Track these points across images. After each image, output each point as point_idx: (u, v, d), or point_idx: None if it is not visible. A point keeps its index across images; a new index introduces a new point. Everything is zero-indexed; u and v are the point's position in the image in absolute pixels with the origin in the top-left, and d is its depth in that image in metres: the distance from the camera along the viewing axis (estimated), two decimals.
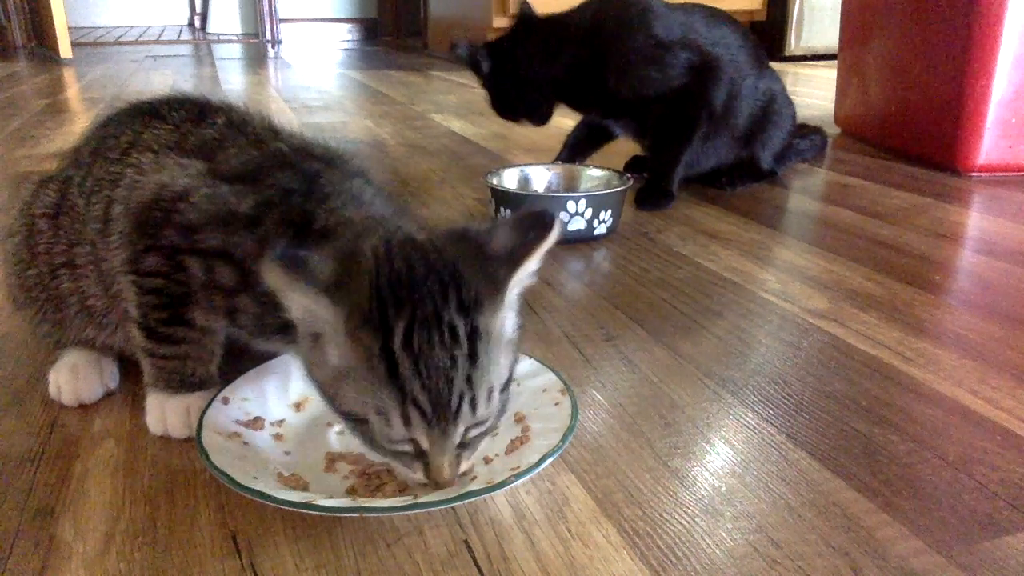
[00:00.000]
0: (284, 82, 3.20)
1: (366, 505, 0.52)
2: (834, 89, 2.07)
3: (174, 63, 3.77)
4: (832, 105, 2.09)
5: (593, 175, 1.31)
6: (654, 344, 0.85)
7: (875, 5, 1.83)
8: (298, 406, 0.68)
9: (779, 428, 0.69)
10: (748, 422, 0.70)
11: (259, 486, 0.53)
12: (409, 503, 0.51)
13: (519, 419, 0.64)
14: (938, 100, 1.61)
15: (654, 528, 0.55)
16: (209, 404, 0.63)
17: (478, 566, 0.52)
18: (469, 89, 2.94)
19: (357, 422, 0.52)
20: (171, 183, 0.61)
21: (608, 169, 1.32)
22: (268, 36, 5.06)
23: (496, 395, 0.53)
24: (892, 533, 0.55)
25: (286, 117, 2.28)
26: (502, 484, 0.53)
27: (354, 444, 0.60)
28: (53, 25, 3.60)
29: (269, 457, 0.61)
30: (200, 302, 0.62)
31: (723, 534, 0.55)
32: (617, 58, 1.35)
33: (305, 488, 0.57)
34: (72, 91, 2.79)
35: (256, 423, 0.64)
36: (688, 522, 0.56)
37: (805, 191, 1.52)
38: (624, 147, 1.58)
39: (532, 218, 0.54)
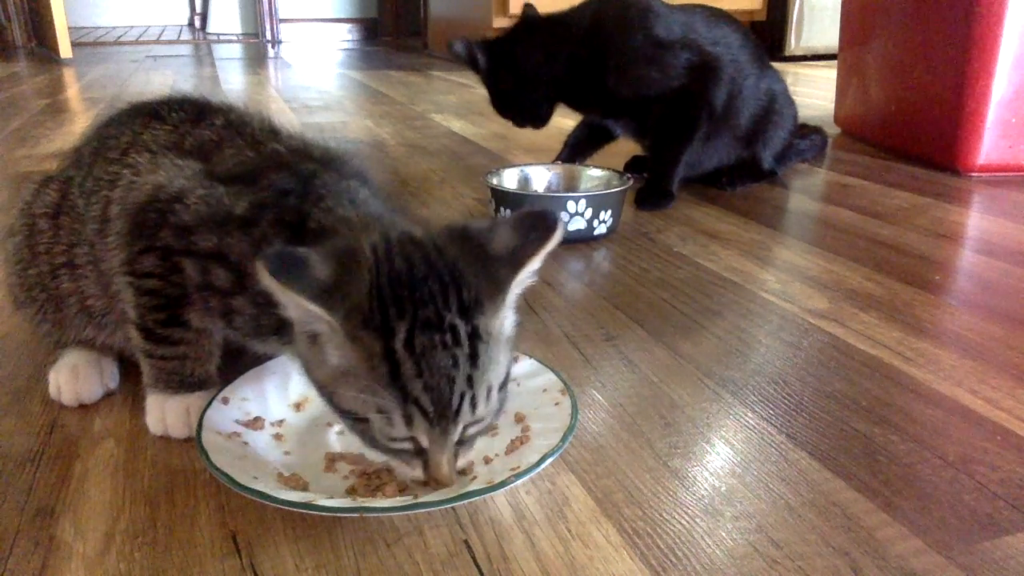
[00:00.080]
0: (284, 82, 3.20)
1: (366, 505, 0.52)
2: (834, 89, 2.07)
3: (174, 63, 3.77)
4: (832, 105, 2.09)
5: (593, 175, 1.31)
6: (654, 344, 0.85)
7: (875, 5, 1.83)
8: (298, 406, 0.68)
9: (779, 428, 0.69)
10: (748, 422, 0.70)
11: (259, 486, 0.53)
12: (409, 503, 0.51)
13: (519, 419, 0.64)
14: (938, 100, 1.61)
15: (654, 528, 0.55)
16: (209, 404, 0.63)
17: (478, 566, 0.52)
18: (469, 89, 2.94)
19: (357, 421, 0.52)
20: (167, 184, 0.61)
21: (608, 169, 1.32)
22: (268, 36, 5.06)
23: (495, 393, 0.53)
24: (892, 533, 0.55)
25: (286, 117, 2.28)
26: (502, 484, 0.53)
27: (354, 444, 0.60)
28: (53, 25, 3.60)
29: (269, 457, 0.61)
30: (196, 303, 0.62)
31: (723, 534, 0.55)
32: (617, 58, 1.35)
33: (305, 488, 0.57)
34: (72, 91, 2.79)
35: (256, 423, 0.64)
36: (688, 522, 0.56)
37: (805, 191, 1.52)
38: (624, 147, 1.58)
39: (534, 218, 0.54)
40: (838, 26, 2.03)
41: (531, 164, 1.36)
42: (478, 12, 3.56)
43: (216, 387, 0.67)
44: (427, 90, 2.95)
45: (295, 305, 0.50)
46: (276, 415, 0.66)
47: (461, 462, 0.55)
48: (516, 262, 0.52)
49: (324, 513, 0.53)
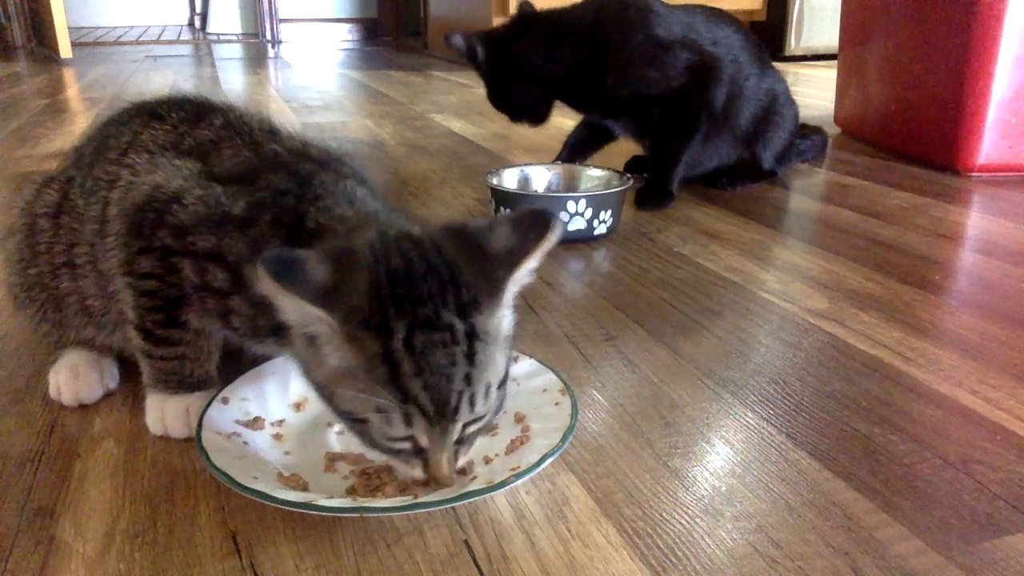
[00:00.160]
0: (284, 82, 3.20)
1: (366, 505, 0.52)
2: (834, 89, 2.07)
3: (174, 63, 3.77)
4: (832, 105, 2.09)
5: (593, 175, 1.31)
6: (654, 344, 0.85)
7: (875, 5, 1.83)
8: (298, 406, 0.67)
9: (779, 428, 0.69)
10: (748, 422, 0.70)
11: (259, 486, 0.53)
12: (409, 503, 0.51)
13: (519, 419, 0.64)
14: (938, 100, 1.61)
15: (654, 528, 0.55)
16: (209, 404, 0.63)
17: (478, 566, 0.52)
18: (469, 89, 2.94)
19: (356, 421, 0.52)
20: (165, 184, 0.61)
21: (608, 169, 1.32)
22: (268, 36, 5.06)
23: (494, 392, 0.53)
24: (892, 533, 0.55)
25: (286, 117, 2.28)
26: (502, 484, 0.53)
27: (354, 444, 0.60)
28: (53, 25, 3.60)
29: (269, 457, 0.61)
30: (194, 304, 0.62)
31: (723, 534, 0.55)
32: (617, 57, 1.35)
33: (305, 488, 0.57)
34: (72, 91, 2.79)
35: (256, 423, 0.64)
36: (688, 522, 0.56)
37: (805, 191, 1.52)
38: (624, 147, 1.58)
39: (532, 217, 0.53)
40: (838, 26, 2.03)
41: (531, 164, 1.36)
42: (478, 12, 3.56)
43: (216, 387, 0.67)
44: (427, 90, 2.95)
45: (294, 307, 0.49)
46: (276, 415, 0.66)
47: (461, 461, 0.55)
48: (513, 261, 0.52)
49: (324, 513, 0.53)
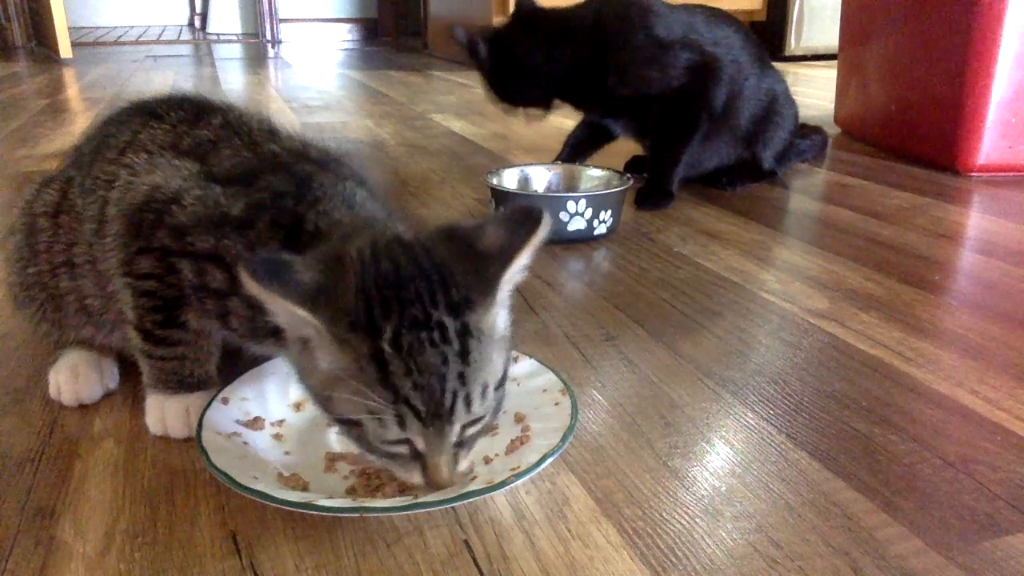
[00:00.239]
0: (284, 82, 3.20)
1: (366, 505, 0.52)
2: (834, 89, 2.07)
3: (174, 63, 3.77)
4: (832, 105, 2.09)
5: (593, 175, 1.31)
6: (654, 344, 0.85)
7: (875, 5, 1.83)
8: (298, 406, 0.67)
9: (779, 428, 0.69)
10: (748, 422, 0.70)
11: (259, 486, 0.53)
12: (409, 503, 0.51)
13: (519, 419, 0.64)
14: (938, 100, 1.61)
15: (654, 528, 0.55)
16: (209, 404, 0.63)
17: (478, 566, 0.52)
18: (469, 89, 2.94)
19: (352, 426, 0.52)
20: (164, 184, 0.61)
21: (608, 169, 1.32)
22: (268, 36, 5.06)
23: (491, 392, 0.52)
24: (892, 533, 0.55)
25: (286, 117, 2.28)
26: (502, 484, 0.53)
27: (354, 445, 0.60)
28: (53, 25, 3.60)
29: (269, 457, 0.61)
30: (193, 305, 0.62)
31: (723, 534, 0.55)
32: (617, 57, 1.35)
33: (305, 488, 0.57)
34: (72, 91, 2.79)
35: (256, 423, 0.64)
36: (688, 522, 0.56)
37: (805, 191, 1.52)
38: (624, 147, 1.58)
39: (522, 214, 0.54)
40: (838, 26, 2.03)
41: (531, 164, 1.36)
42: (478, 12, 3.56)
43: (216, 387, 0.67)
44: (427, 90, 2.95)
45: (282, 310, 0.49)
46: (276, 415, 0.66)
47: (463, 465, 0.54)
48: (506, 258, 0.52)
49: (324, 513, 0.53)
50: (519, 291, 0.55)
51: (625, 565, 0.52)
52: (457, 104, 2.58)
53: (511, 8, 1.45)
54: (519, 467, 0.55)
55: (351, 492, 0.58)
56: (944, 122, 1.60)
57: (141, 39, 5.02)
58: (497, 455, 0.60)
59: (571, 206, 1.15)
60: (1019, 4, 1.46)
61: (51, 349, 0.76)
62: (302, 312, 0.48)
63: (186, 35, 5.52)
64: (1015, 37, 1.48)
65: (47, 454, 0.64)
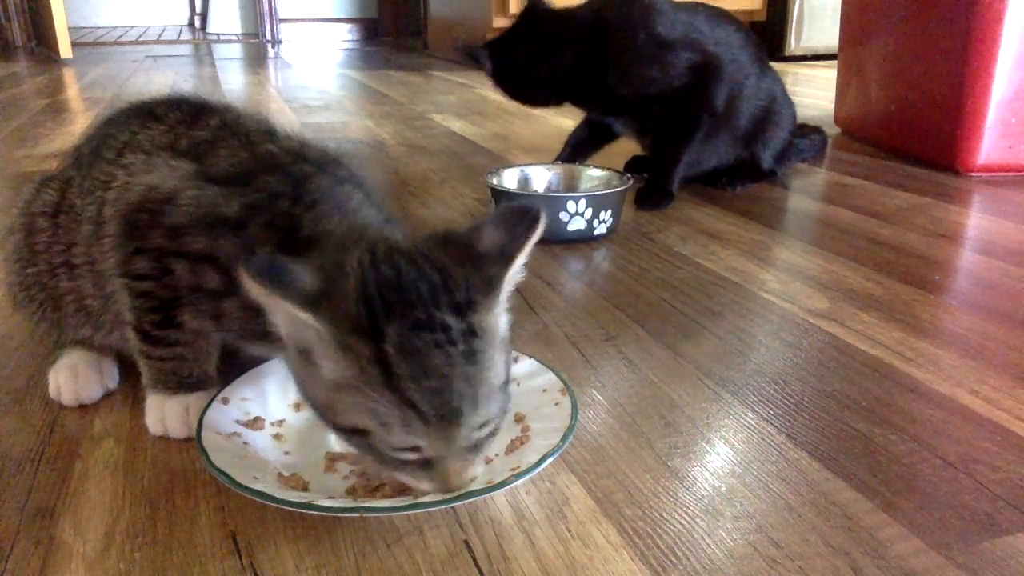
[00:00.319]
0: (284, 82, 3.20)
1: (366, 505, 0.52)
2: (834, 89, 2.07)
3: (174, 63, 3.77)
4: (832, 105, 2.09)
5: (593, 175, 1.31)
6: (654, 344, 0.85)
7: (875, 5, 1.83)
8: (298, 406, 0.67)
9: (779, 428, 0.69)
10: (748, 422, 0.70)
11: (259, 486, 0.53)
12: (409, 503, 0.51)
13: (519, 419, 0.64)
14: (938, 100, 1.61)
15: (654, 528, 0.55)
16: (209, 404, 0.63)
17: (478, 566, 0.52)
18: (469, 89, 2.94)
19: (359, 435, 0.51)
20: (159, 185, 0.61)
21: (608, 169, 1.32)
22: (268, 36, 5.06)
23: (497, 393, 0.52)
24: (892, 533, 0.55)
25: (286, 117, 2.28)
26: (502, 484, 0.53)
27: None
28: (53, 25, 3.60)
29: (269, 457, 0.61)
30: (189, 305, 0.62)
31: (723, 534, 0.55)
32: (618, 56, 1.35)
33: (305, 488, 0.57)
34: (72, 91, 2.79)
35: (256, 423, 0.64)
36: (688, 522, 0.56)
37: (805, 191, 1.52)
38: (624, 147, 1.58)
39: (517, 213, 0.54)
40: (838, 26, 2.03)
41: (531, 164, 1.36)
42: (478, 12, 3.56)
43: (215, 387, 0.67)
44: (427, 90, 2.95)
45: (283, 312, 0.49)
46: (276, 415, 0.66)
47: (477, 469, 0.53)
48: (507, 257, 0.52)
49: (324, 513, 0.53)
50: (519, 291, 0.55)
51: (625, 565, 0.52)
52: (457, 104, 2.58)
53: (511, 8, 1.45)
54: (519, 467, 0.55)
55: (351, 492, 0.58)
56: (944, 122, 1.60)
57: (141, 39, 5.02)
58: (497, 455, 0.60)
59: (571, 206, 1.15)
60: (1019, 4, 1.46)
61: (51, 349, 0.76)
62: (304, 315, 0.48)
63: (186, 35, 5.52)
64: (1015, 37, 1.48)
65: (47, 454, 0.64)
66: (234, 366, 0.69)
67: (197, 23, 5.87)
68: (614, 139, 1.54)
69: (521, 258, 0.52)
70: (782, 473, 0.62)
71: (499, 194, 1.21)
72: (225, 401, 0.65)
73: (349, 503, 0.53)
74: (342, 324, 0.48)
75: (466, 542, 0.54)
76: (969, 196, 1.46)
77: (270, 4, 5.02)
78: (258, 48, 4.73)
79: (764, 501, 0.59)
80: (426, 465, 0.51)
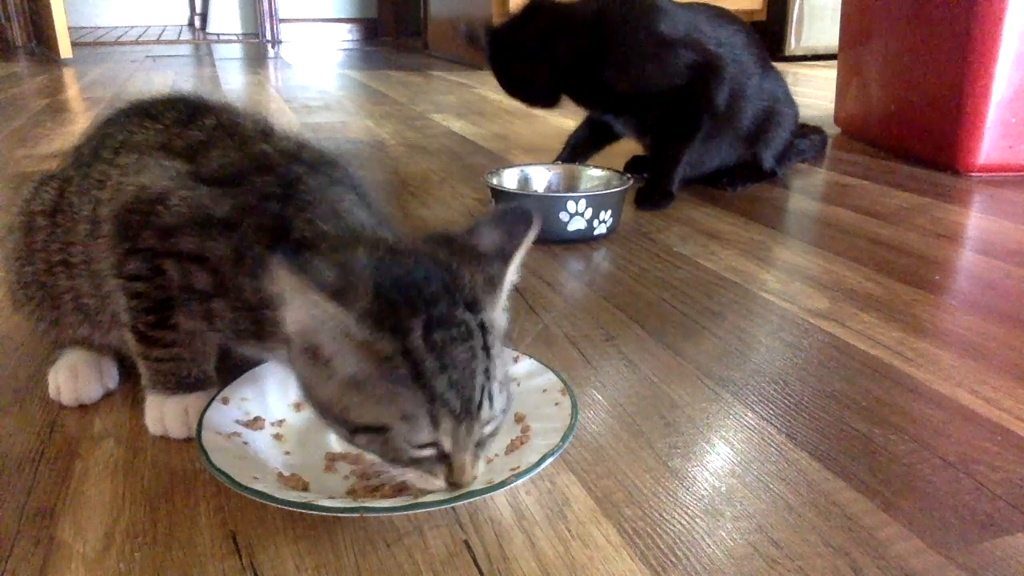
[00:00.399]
0: (284, 82, 3.20)
1: (366, 505, 0.52)
2: (834, 89, 2.07)
3: (174, 63, 3.77)
4: (832, 105, 2.09)
5: (593, 175, 1.31)
6: (654, 344, 0.85)
7: (875, 5, 1.83)
8: (298, 406, 0.67)
9: (779, 428, 0.69)
10: (748, 422, 0.70)
11: (259, 486, 0.53)
12: (409, 503, 0.51)
13: (519, 419, 0.64)
14: (938, 100, 1.61)
15: (654, 528, 0.55)
16: (209, 404, 0.63)
17: (478, 566, 0.52)
18: (469, 89, 2.94)
19: (373, 432, 0.51)
20: (151, 185, 0.61)
21: (608, 169, 1.32)
22: (268, 36, 5.06)
23: (505, 388, 0.53)
24: (892, 533, 0.55)
25: (286, 117, 2.28)
26: (502, 484, 0.53)
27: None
28: (53, 25, 3.60)
29: (269, 457, 0.61)
30: (181, 306, 0.62)
31: (723, 534, 0.55)
32: (618, 52, 1.34)
33: (305, 488, 0.57)
34: (72, 91, 2.79)
35: (256, 423, 0.64)
36: (688, 522, 0.56)
37: (805, 191, 1.52)
38: (624, 147, 1.58)
39: (513, 214, 0.55)
40: (838, 26, 2.03)
41: (531, 164, 1.36)
42: (478, 12, 3.56)
43: (215, 387, 0.67)
44: (427, 90, 2.95)
45: (304, 307, 0.48)
46: (276, 415, 0.66)
47: (481, 467, 0.53)
48: (506, 256, 0.53)
49: (324, 513, 0.53)
50: (519, 291, 0.55)
51: (625, 565, 0.52)
52: (457, 104, 2.58)
53: (511, 8, 1.44)
54: (519, 467, 0.55)
55: (351, 492, 0.58)
56: (944, 122, 1.60)
57: (141, 39, 5.02)
58: (497, 455, 0.60)
59: (571, 206, 1.15)
60: (1019, 4, 1.46)
61: (50, 349, 0.76)
62: (333, 308, 0.47)
63: (186, 35, 5.52)
64: (1015, 37, 1.48)
65: (47, 454, 0.64)
66: (234, 366, 0.69)
67: (197, 23, 5.87)
68: (615, 139, 1.54)
69: (519, 257, 0.54)
70: (782, 473, 0.62)
71: (499, 194, 1.21)
72: (225, 401, 0.65)
73: (349, 503, 0.53)
74: (365, 320, 0.48)
75: (466, 542, 0.54)
76: (969, 196, 1.46)
77: (270, 4, 5.02)
78: (258, 48, 4.73)
79: (764, 501, 0.59)
80: (440, 461, 0.52)
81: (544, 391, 0.66)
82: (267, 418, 0.65)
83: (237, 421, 0.63)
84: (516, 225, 0.55)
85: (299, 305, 0.49)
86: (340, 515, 0.54)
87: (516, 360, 0.70)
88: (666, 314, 0.93)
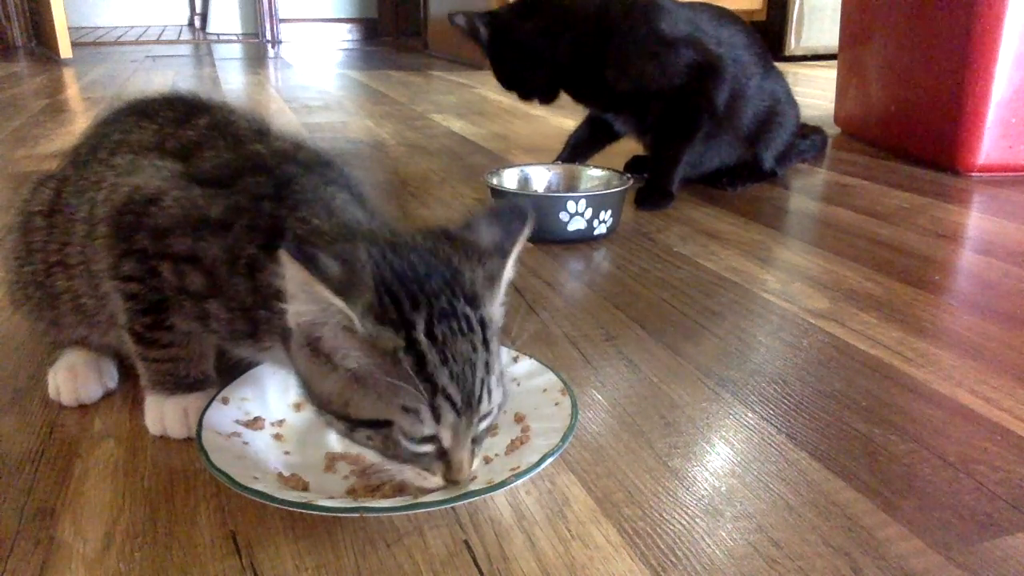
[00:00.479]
0: (284, 82, 3.20)
1: (366, 505, 0.52)
2: (834, 89, 2.07)
3: (174, 63, 3.77)
4: (832, 105, 2.09)
5: (593, 175, 1.31)
6: (654, 344, 0.85)
7: (875, 5, 1.83)
8: (298, 406, 0.67)
9: (779, 428, 0.69)
10: (748, 422, 0.70)
11: (259, 486, 0.53)
12: (409, 503, 0.51)
13: (519, 419, 0.64)
14: (938, 100, 1.61)
15: (654, 528, 0.55)
16: (209, 404, 0.63)
17: (478, 566, 0.52)
18: (469, 89, 2.94)
19: (375, 427, 0.51)
20: (144, 185, 0.61)
21: (608, 169, 1.32)
22: (268, 36, 5.06)
23: (501, 383, 0.53)
24: (892, 533, 0.55)
25: (286, 117, 2.28)
26: (502, 484, 0.53)
27: (355, 444, 0.60)
28: (53, 25, 3.60)
29: (269, 457, 0.61)
30: (176, 307, 0.62)
31: (723, 534, 0.55)
32: (618, 49, 1.34)
33: (305, 488, 0.57)
34: (72, 91, 2.79)
35: (256, 423, 0.64)
36: (688, 522, 0.56)
37: (805, 191, 1.52)
38: (624, 147, 1.58)
39: (509, 211, 0.56)
40: (838, 26, 2.03)
41: (531, 164, 1.36)
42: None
43: (214, 387, 0.67)
44: (427, 90, 2.95)
45: (309, 300, 0.48)
46: (276, 415, 0.66)
47: (476, 463, 0.54)
48: (504, 252, 0.54)
49: (324, 513, 0.53)
50: (519, 291, 0.55)
51: (625, 565, 0.52)
52: (457, 104, 2.58)
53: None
54: (519, 467, 0.55)
55: (351, 492, 0.58)
56: (944, 122, 1.60)
57: (141, 39, 5.02)
58: (497, 455, 0.60)
59: (571, 206, 1.15)
60: (1019, 4, 1.46)
61: (50, 349, 0.76)
62: (339, 302, 0.47)
63: (186, 35, 5.52)
64: (1015, 37, 1.48)
65: (47, 454, 0.64)
66: (234, 366, 0.69)
67: (197, 23, 5.87)
68: (615, 139, 1.54)
69: (516, 253, 0.54)
70: (782, 473, 0.62)
71: (499, 194, 1.21)
72: (225, 401, 0.65)
73: (349, 503, 0.53)
74: (368, 314, 0.48)
75: (466, 542, 0.54)
76: (969, 196, 1.46)
77: (270, 4, 5.02)
78: (258, 48, 4.73)
79: (764, 501, 0.59)
80: (438, 457, 0.52)
81: (544, 391, 0.66)
82: (267, 418, 0.65)
83: (237, 421, 0.63)
84: (512, 222, 0.55)
85: (304, 298, 0.49)
86: (340, 515, 0.54)
87: (516, 360, 0.70)
88: (666, 314, 0.93)
